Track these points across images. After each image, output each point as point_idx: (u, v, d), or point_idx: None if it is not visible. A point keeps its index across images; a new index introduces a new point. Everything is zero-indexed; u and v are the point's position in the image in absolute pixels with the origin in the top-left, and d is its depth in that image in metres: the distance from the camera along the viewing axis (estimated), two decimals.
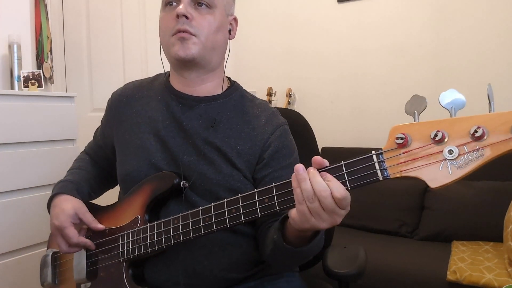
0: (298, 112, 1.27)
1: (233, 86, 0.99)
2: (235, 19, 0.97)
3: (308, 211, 0.64)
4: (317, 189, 0.63)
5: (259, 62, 2.90)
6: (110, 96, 1.05)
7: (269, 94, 2.71)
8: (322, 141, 1.72)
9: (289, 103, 2.72)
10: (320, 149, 1.40)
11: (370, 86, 2.57)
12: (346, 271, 0.98)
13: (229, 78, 1.02)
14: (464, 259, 1.71)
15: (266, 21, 2.87)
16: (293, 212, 0.68)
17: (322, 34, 2.70)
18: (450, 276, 1.60)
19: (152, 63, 2.55)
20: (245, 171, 0.89)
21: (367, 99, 2.58)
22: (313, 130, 1.27)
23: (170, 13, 0.88)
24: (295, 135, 0.99)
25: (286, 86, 2.77)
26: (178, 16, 0.85)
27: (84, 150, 1.16)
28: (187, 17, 0.85)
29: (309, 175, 0.64)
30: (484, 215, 1.93)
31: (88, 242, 0.92)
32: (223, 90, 0.96)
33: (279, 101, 2.75)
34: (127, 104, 1.00)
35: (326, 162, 0.67)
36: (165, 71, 1.01)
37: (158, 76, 1.03)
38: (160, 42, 0.92)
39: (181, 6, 0.85)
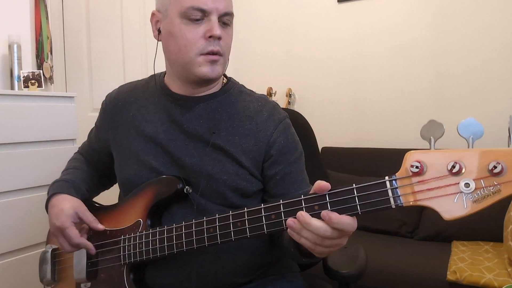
0: (298, 112, 1.27)
1: (230, 81, 0.97)
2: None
3: (323, 247, 0.64)
4: (319, 234, 0.62)
5: (259, 62, 2.90)
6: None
7: (269, 94, 2.71)
8: (322, 141, 1.72)
9: (289, 103, 2.72)
10: (320, 149, 1.40)
11: (370, 86, 2.57)
12: (346, 271, 0.98)
13: (225, 75, 0.99)
14: (464, 259, 1.71)
15: (266, 21, 2.87)
16: (313, 252, 0.68)
17: (322, 34, 2.69)
18: (450, 276, 1.60)
19: (152, 63, 2.55)
20: (251, 169, 0.88)
21: (367, 99, 2.58)
22: (313, 130, 1.27)
23: (196, 29, 0.83)
24: None
25: (286, 86, 2.77)
26: (211, 37, 0.83)
27: (78, 150, 1.14)
28: (219, 38, 0.84)
29: (302, 224, 0.63)
30: (484, 215, 1.90)
31: (89, 244, 0.91)
32: (221, 87, 0.94)
33: (279, 101, 2.73)
34: (123, 107, 0.98)
35: (327, 186, 0.64)
36: (155, 73, 0.99)
37: (152, 77, 1.01)
38: (176, 57, 0.87)
39: (216, 28, 0.82)
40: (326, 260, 1.03)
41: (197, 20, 0.83)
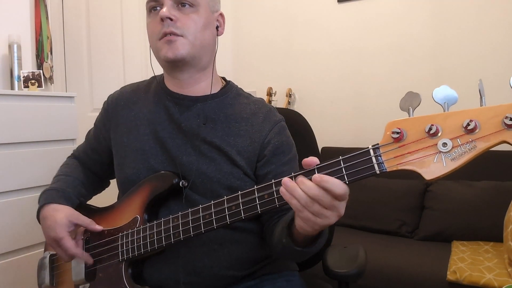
0: (298, 112, 1.27)
1: (229, 84, 0.99)
2: (221, 15, 0.97)
3: (312, 214, 0.65)
4: (311, 194, 0.63)
5: (259, 62, 2.90)
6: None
7: (269, 94, 2.71)
8: (322, 141, 1.72)
9: (289, 103, 2.72)
10: (320, 149, 1.40)
11: (370, 86, 2.57)
12: (346, 271, 0.98)
13: (224, 78, 1.02)
14: (464, 259, 1.71)
15: (266, 21, 2.87)
16: (298, 222, 0.68)
17: (322, 34, 2.70)
18: (450, 276, 1.60)
19: (152, 63, 2.55)
20: (245, 168, 0.90)
21: (367, 99, 2.58)
22: (313, 130, 1.27)
23: (155, 17, 0.89)
24: (295, 135, 0.99)
25: (286, 86, 2.77)
26: (162, 19, 0.86)
27: (72, 154, 1.13)
28: (171, 19, 0.86)
29: (297, 184, 0.65)
30: (484, 215, 1.92)
31: (85, 256, 0.91)
32: (219, 89, 0.97)
33: (279, 101, 2.75)
34: (125, 107, 1.00)
35: (315, 161, 0.67)
36: (155, 74, 1.01)
37: (153, 78, 1.03)
38: (150, 48, 0.93)
39: (164, 9, 0.86)
40: (326, 260, 1.03)
41: (155, 9, 0.89)
